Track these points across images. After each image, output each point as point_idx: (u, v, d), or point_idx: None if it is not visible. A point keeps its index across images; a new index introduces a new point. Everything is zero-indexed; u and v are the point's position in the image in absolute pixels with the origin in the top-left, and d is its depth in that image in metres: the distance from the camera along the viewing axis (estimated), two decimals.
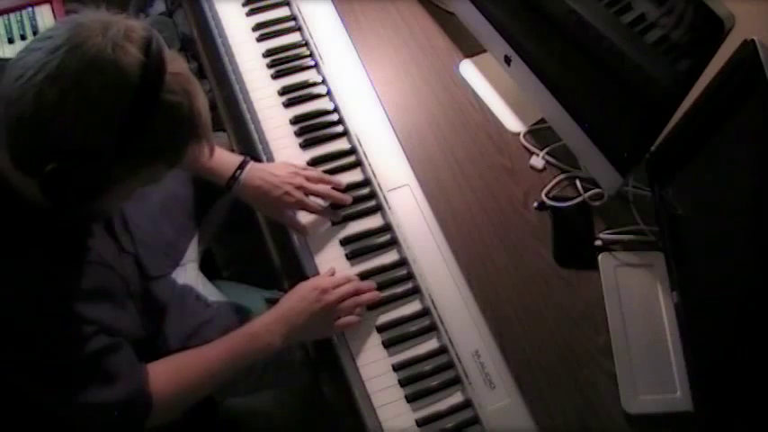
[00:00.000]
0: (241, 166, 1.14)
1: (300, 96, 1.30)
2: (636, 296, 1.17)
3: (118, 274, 1.02)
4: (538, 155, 1.30)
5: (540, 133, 1.32)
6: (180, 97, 0.80)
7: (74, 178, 0.78)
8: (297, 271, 1.15)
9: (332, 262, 1.15)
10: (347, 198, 1.19)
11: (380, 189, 1.20)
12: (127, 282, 1.04)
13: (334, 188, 1.18)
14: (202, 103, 0.84)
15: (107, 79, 0.76)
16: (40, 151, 0.78)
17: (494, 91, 1.37)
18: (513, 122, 1.34)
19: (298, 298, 1.07)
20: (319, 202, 1.17)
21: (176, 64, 0.82)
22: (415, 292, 1.14)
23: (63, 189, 0.79)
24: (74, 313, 0.92)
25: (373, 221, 1.20)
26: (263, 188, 1.13)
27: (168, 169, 0.87)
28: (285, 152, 1.24)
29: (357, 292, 1.10)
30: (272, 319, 1.06)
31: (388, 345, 1.09)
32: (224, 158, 1.16)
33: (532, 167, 1.29)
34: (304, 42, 1.36)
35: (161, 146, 0.82)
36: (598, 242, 1.22)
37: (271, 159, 1.23)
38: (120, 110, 0.76)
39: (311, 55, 1.34)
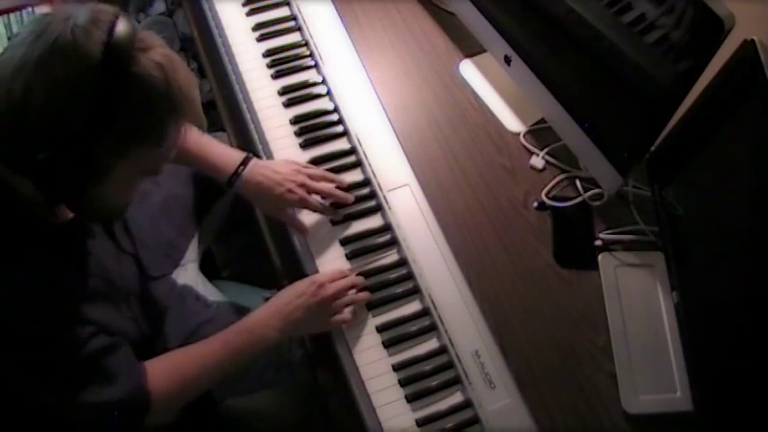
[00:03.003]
0: (244, 163, 1.14)
1: (300, 96, 1.30)
2: (636, 296, 1.17)
3: (118, 275, 1.02)
4: (538, 155, 1.30)
5: (540, 133, 1.32)
6: (153, 71, 0.79)
7: (59, 167, 0.78)
8: (297, 271, 1.15)
9: (332, 262, 1.15)
10: (350, 197, 1.19)
11: (380, 189, 1.20)
12: (127, 282, 1.04)
13: (336, 187, 1.18)
14: (183, 77, 0.82)
15: (69, 62, 0.76)
16: (22, 145, 0.78)
17: (494, 91, 1.37)
18: (513, 122, 1.34)
19: (294, 293, 1.07)
20: (321, 200, 1.17)
21: (150, 40, 0.81)
22: (415, 292, 1.14)
23: (52, 180, 0.79)
24: (73, 314, 0.92)
25: (373, 221, 1.20)
26: (265, 185, 1.13)
27: (158, 150, 0.84)
28: (285, 152, 1.24)
29: (353, 287, 1.10)
30: (268, 313, 1.06)
31: (388, 345, 1.09)
32: (227, 155, 1.15)
33: (532, 167, 1.29)
34: (304, 42, 1.36)
35: (140, 123, 0.80)
36: (598, 242, 1.22)
37: (271, 159, 1.23)
38: (87, 90, 0.76)
39: (311, 55, 1.34)
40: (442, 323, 1.10)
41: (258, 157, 1.21)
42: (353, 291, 1.10)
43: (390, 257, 1.17)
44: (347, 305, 1.09)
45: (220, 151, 1.15)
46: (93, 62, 0.76)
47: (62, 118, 0.76)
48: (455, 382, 1.07)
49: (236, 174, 1.14)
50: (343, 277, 1.10)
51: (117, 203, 0.92)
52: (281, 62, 1.33)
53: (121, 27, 0.78)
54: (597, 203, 1.25)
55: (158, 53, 0.81)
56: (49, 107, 0.76)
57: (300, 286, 1.08)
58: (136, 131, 0.81)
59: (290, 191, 1.13)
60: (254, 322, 1.06)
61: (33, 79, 0.76)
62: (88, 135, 0.77)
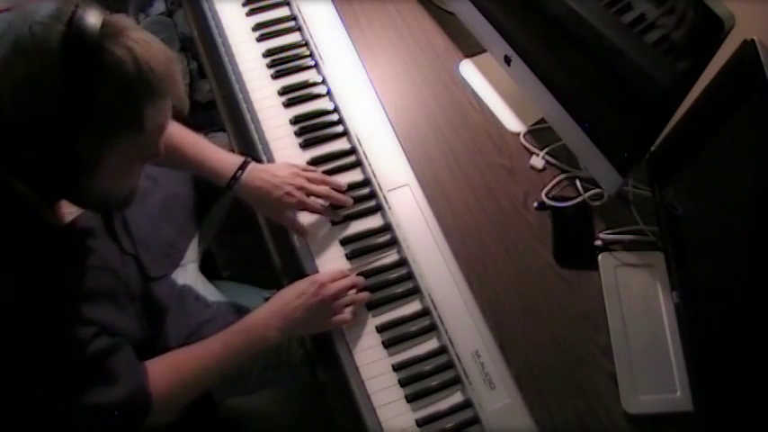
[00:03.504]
0: (242, 167, 1.14)
1: (300, 96, 1.30)
2: (636, 296, 1.17)
3: (119, 276, 1.02)
4: (538, 155, 1.30)
5: (540, 133, 1.32)
6: (121, 56, 0.77)
7: (44, 164, 0.78)
8: (297, 271, 1.15)
9: (332, 262, 1.15)
10: (348, 200, 1.18)
11: (380, 189, 1.20)
12: (127, 283, 1.04)
13: (334, 189, 1.18)
14: (155, 58, 0.80)
15: (29, 59, 0.75)
16: (6, 147, 0.78)
17: (494, 91, 1.37)
18: (513, 122, 1.34)
19: (295, 292, 1.07)
20: (320, 202, 1.17)
21: (120, 24, 0.79)
22: (415, 292, 1.14)
23: (40, 178, 0.79)
24: (75, 314, 0.92)
25: (373, 221, 1.20)
26: (264, 189, 1.13)
27: (143, 136, 0.82)
28: (285, 152, 1.24)
29: (354, 286, 1.10)
30: (269, 312, 1.06)
31: (388, 345, 1.09)
32: (225, 159, 1.15)
33: (532, 167, 1.29)
34: (304, 42, 1.36)
35: (116, 111, 0.79)
36: (598, 242, 1.22)
37: (271, 159, 1.23)
38: (53, 84, 0.75)
39: (311, 55, 1.34)
40: (442, 323, 1.10)
41: (257, 158, 1.21)
42: (354, 291, 1.10)
43: (390, 257, 1.17)
44: (347, 305, 1.09)
45: (218, 156, 1.15)
46: (53, 56, 0.75)
47: (34, 116, 0.76)
48: (455, 382, 1.07)
49: (235, 178, 1.14)
50: (344, 277, 1.10)
51: (117, 192, 0.90)
52: (281, 62, 1.33)
53: (83, 16, 0.76)
54: (597, 203, 1.25)
55: (128, 37, 0.79)
56: (19, 107, 0.76)
57: (301, 286, 1.08)
58: (113, 120, 0.79)
59: (288, 194, 1.13)
60: (254, 322, 1.06)
61: (0, 82, 0.75)
62: (65, 130, 0.76)
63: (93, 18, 0.77)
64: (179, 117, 0.91)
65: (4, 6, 1.61)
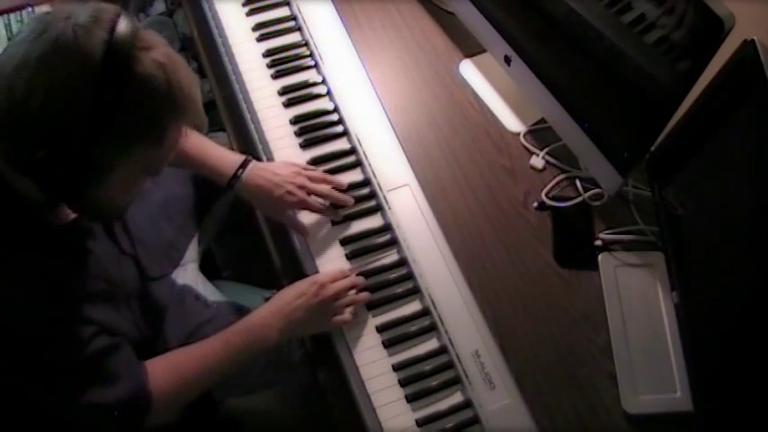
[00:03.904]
0: (243, 165, 1.14)
1: (300, 96, 1.30)
2: (636, 296, 1.17)
3: (118, 276, 1.02)
4: (538, 155, 1.30)
5: (540, 133, 1.32)
6: (154, 71, 0.79)
7: (60, 165, 0.78)
8: (297, 271, 1.15)
9: (332, 262, 1.15)
10: (349, 199, 1.18)
11: (380, 189, 1.20)
12: (127, 283, 1.04)
13: (335, 188, 1.18)
14: (184, 77, 0.82)
15: (70, 60, 0.76)
16: (22, 144, 0.78)
17: (494, 91, 1.37)
18: (513, 122, 1.34)
19: (295, 293, 1.07)
20: (321, 201, 1.17)
21: (152, 40, 0.81)
22: (415, 292, 1.14)
23: (52, 179, 0.79)
24: (75, 314, 0.92)
25: (373, 221, 1.20)
26: (265, 187, 1.13)
27: (159, 150, 0.84)
28: (285, 152, 1.24)
29: (354, 287, 1.10)
30: (269, 313, 1.06)
31: (388, 345, 1.09)
32: (226, 157, 1.15)
33: (532, 167, 1.29)
34: (304, 42, 1.36)
35: (141, 122, 0.80)
36: (598, 242, 1.22)
37: (271, 159, 1.23)
38: (88, 88, 0.76)
39: (311, 55, 1.34)
40: (442, 323, 1.10)
41: (257, 158, 1.21)
42: (354, 291, 1.10)
43: (390, 257, 1.17)
44: (347, 305, 1.09)
45: (219, 154, 1.15)
46: (95, 61, 0.76)
47: (62, 117, 0.76)
48: (455, 382, 1.07)
49: (236, 176, 1.14)
50: (344, 277, 1.10)
51: (118, 203, 0.91)
52: (281, 62, 1.33)
53: (123, 26, 0.78)
54: (597, 203, 1.25)
55: (160, 53, 0.81)
56: (49, 106, 0.76)
57: (301, 286, 1.08)
58: (136, 131, 0.80)
59: (289, 192, 1.13)
60: (254, 322, 1.06)
61: (34, 78, 0.76)
62: (88, 134, 0.77)
63: (130, 29, 0.79)
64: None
65: (5, 7, 1.61)
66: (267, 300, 1.10)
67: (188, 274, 1.28)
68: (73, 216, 0.94)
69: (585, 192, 1.25)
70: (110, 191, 0.85)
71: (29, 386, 0.95)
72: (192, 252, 1.31)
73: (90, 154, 0.78)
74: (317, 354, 1.12)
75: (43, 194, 0.82)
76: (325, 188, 1.17)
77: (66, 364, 0.92)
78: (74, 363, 0.92)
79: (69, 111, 0.76)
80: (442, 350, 1.09)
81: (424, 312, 1.12)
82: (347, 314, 1.08)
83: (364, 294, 1.11)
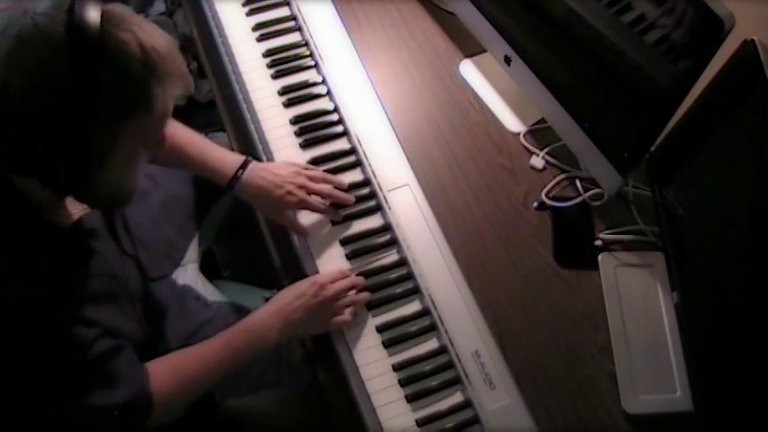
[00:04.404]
0: (243, 166, 1.14)
1: (300, 96, 1.30)
2: (636, 296, 1.17)
3: (120, 276, 1.02)
4: (538, 155, 1.30)
5: (540, 133, 1.32)
6: (125, 38, 0.78)
7: (58, 157, 0.78)
8: (297, 271, 1.15)
9: (332, 262, 1.15)
10: (350, 198, 1.18)
11: (380, 189, 1.20)
12: (127, 284, 1.04)
13: (336, 188, 1.18)
14: (158, 39, 0.81)
15: (36, 49, 0.76)
16: (18, 142, 0.78)
17: (494, 91, 1.37)
18: (513, 122, 1.34)
19: (295, 293, 1.07)
20: (321, 201, 1.17)
21: (119, 11, 0.80)
22: (415, 292, 1.14)
23: (54, 172, 0.79)
24: (78, 316, 0.92)
25: (373, 221, 1.20)
26: (266, 188, 1.13)
27: (151, 118, 0.83)
28: (285, 152, 1.24)
29: (353, 287, 1.10)
30: (269, 313, 1.06)
31: (388, 345, 1.09)
32: (226, 158, 1.15)
33: (532, 167, 1.29)
34: (304, 42, 1.36)
35: (126, 93, 0.79)
36: (598, 242, 1.22)
37: (271, 159, 1.23)
38: (62, 72, 0.75)
39: (311, 55, 1.34)
40: (442, 323, 1.10)
41: (258, 158, 1.21)
42: (353, 291, 1.10)
43: (390, 257, 1.17)
44: (347, 306, 1.09)
45: (219, 155, 1.15)
46: (60, 43, 0.75)
47: (45, 106, 0.76)
48: (455, 382, 1.07)
49: (236, 177, 1.14)
50: (344, 278, 1.10)
51: (123, 185, 0.90)
52: (281, 62, 1.33)
53: (83, 4, 0.77)
54: (597, 203, 1.25)
55: (129, 22, 0.80)
56: (29, 98, 0.76)
57: (301, 287, 1.08)
58: (124, 104, 0.80)
59: (289, 193, 1.13)
60: (254, 323, 1.06)
61: (6, 74, 0.76)
62: (77, 117, 0.77)
63: (92, 6, 0.78)
64: (181, 112, 0.91)
65: (3, 7, 1.61)
66: (267, 300, 1.10)
67: (188, 274, 1.28)
68: (76, 217, 0.94)
69: (585, 192, 1.25)
70: (113, 173, 0.84)
71: (31, 387, 0.95)
72: (193, 252, 1.31)
73: (85, 137, 0.78)
74: (316, 354, 1.12)
75: (49, 190, 0.82)
76: (325, 188, 1.17)
77: (69, 366, 0.92)
78: (77, 365, 0.92)
79: (49, 98, 0.76)
80: (441, 350, 1.09)
81: (424, 312, 1.12)
82: (347, 314, 1.08)
83: (364, 294, 1.11)
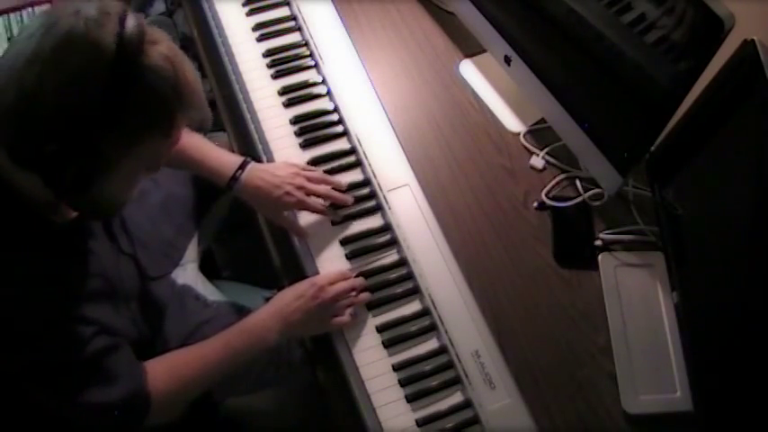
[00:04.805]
0: (242, 167, 1.14)
1: (300, 96, 1.30)
2: (636, 296, 1.17)
3: (117, 275, 1.02)
4: (538, 155, 1.30)
5: (540, 133, 1.32)
6: (162, 63, 0.79)
7: (70, 160, 0.78)
8: (297, 271, 1.15)
9: (332, 262, 1.15)
10: (348, 199, 1.19)
11: (380, 189, 1.20)
12: (126, 283, 1.04)
13: (335, 189, 1.18)
14: (189, 70, 0.83)
15: (82, 53, 0.76)
16: (31, 139, 0.78)
17: (494, 91, 1.37)
18: (513, 122, 1.34)
19: (294, 295, 1.07)
20: (320, 201, 1.17)
21: (157, 35, 0.82)
22: (415, 292, 1.14)
23: (61, 174, 0.79)
24: (75, 314, 0.92)
25: (373, 221, 1.20)
26: (264, 188, 1.13)
27: (165, 142, 0.85)
28: (285, 152, 1.24)
29: (353, 289, 1.10)
30: (268, 314, 1.06)
31: (388, 345, 1.09)
32: (225, 159, 1.15)
33: (532, 167, 1.29)
34: (304, 42, 1.36)
35: (150, 114, 0.81)
36: (598, 242, 1.22)
37: (271, 159, 1.23)
38: (100, 81, 0.76)
39: (311, 55, 1.34)
40: (442, 323, 1.10)
41: (257, 158, 1.21)
42: (354, 293, 1.10)
43: (390, 257, 1.17)
44: (347, 307, 1.09)
45: (218, 155, 1.15)
46: (108, 53, 0.76)
47: (74, 110, 0.76)
48: (455, 382, 1.07)
49: (235, 178, 1.14)
50: (344, 279, 1.10)
51: (117, 199, 0.91)
52: (281, 62, 1.33)
53: (131, 20, 0.79)
54: (597, 203, 1.25)
55: (166, 46, 0.81)
56: (61, 99, 0.76)
57: (300, 288, 1.08)
58: (147, 122, 0.81)
59: (288, 193, 1.13)
60: (253, 324, 1.06)
61: (46, 71, 0.76)
62: (99, 126, 0.77)
63: (138, 23, 0.80)
64: (200, 129, 0.93)
65: (5, 7, 1.61)
66: (267, 300, 1.10)
67: (188, 273, 1.28)
68: (73, 215, 0.94)
69: (585, 192, 1.25)
70: (111, 187, 0.85)
71: (28, 385, 0.95)
72: (192, 252, 1.31)
73: (98, 147, 0.79)
74: (316, 354, 1.12)
75: (49, 190, 0.82)
76: (324, 188, 1.17)
77: (66, 363, 0.92)
78: (73, 362, 0.92)
79: (81, 103, 0.76)
80: (441, 350, 1.09)
81: (424, 312, 1.12)
82: (346, 316, 1.08)
83: (364, 295, 1.11)
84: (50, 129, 0.77)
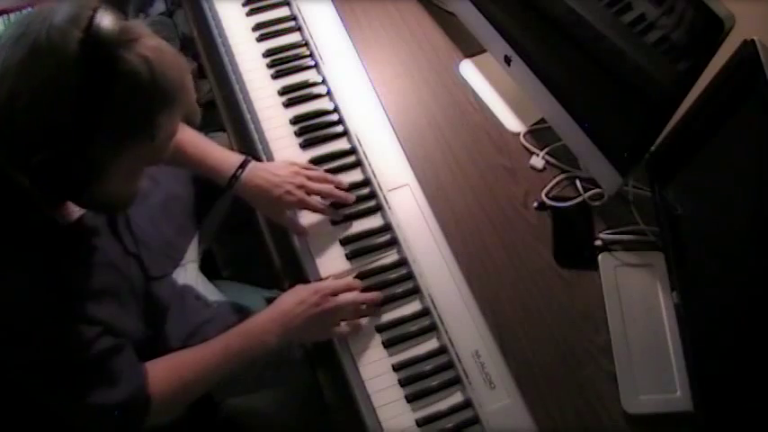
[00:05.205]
0: (242, 166, 1.14)
1: (300, 96, 1.30)
2: (636, 296, 1.17)
3: (123, 275, 1.02)
4: (538, 155, 1.30)
5: (540, 133, 1.32)
6: (137, 67, 0.77)
7: (57, 167, 0.78)
8: (297, 271, 1.15)
9: (332, 262, 1.15)
10: (350, 197, 1.18)
11: (380, 189, 1.20)
12: (131, 282, 1.04)
13: (336, 187, 1.18)
14: (170, 67, 0.81)
15: (46, 63, 0.75)
16: (17, 148, 0.78)
17: (494, 91, 1.37)
18: (513, 122, 1.34)
19: (296, 300, 1.07)
20: (321, 200, 1.17)
21: (136, 31, 0.79)
22: (415, 292, 1.14)
23: (50, 180, 0.79)
24: (80, 314, 0.92)
25: (373, 221, 1.20)
26: (265, 187, 1.13)
27: (153, 144, 0.83)
28: (285, 152, 1.24)
29: (357, 303, 1.09)
30: (269, 318, 1.06)
31: (388, 345, 1.09)
32: (225, 157, 1.15)
33: (532, 167, 1.29)
34: (304, 42, 1.36)
35: (129, 120, 0.79)
36: (598, 242, 1.22)
37: (271, 159, 1.23)
38: (69, 89, 0.75)
39: (311, 55, 1.34)
40: (442, 323, 1.10)
41: (257, 158, 1.21)
42: (363, 305, 1.10)
43: (390, 257, 1.16)
44: (352, 317, 1.08)
45: (219, 154, 1.15)
46: (70, 62, 0.75)
47: (48, 120, 0.76)
48: (455, 382, 1.07)
49: (235, 177, 1.14)
50: (349, 289, 1.10)
51: (122, 195, 0.91)
52: (281, 62, 1.33)
53: (100, 22, 0.77)
54: (597, 203, 1.25)
55: (144, 46, 0.79)
56: (33, 110, 0.76)
57: (303, 294, 1.07)
58: (126, 128, 0.80)
59: (288, 192, 1.13)
60: (254, 327, 1.06)
61: (16, 84, 0.76)
62: (78, 135, 0.77)
63: (109, 24, 0.77)
64: (188, 123, 0.92)
65: (5, 7, 1.61)
66: (268, 300, 1.10)
67: (188, 273, 1.28)
68: (78, 214, 0.94)
69: (585, 192, 1.25)
70: (110, 185, 0.85)
71: (30, 385, 0.95)
72: (193, 252, 1.31)
73: (83, 155, 0.78)
74: (316, 354, 1.12)
75: (43, 195, 0.82)
76: (325, 187, 1.17)
77: (70, 364, 0.92)
78: (77, 363, 0.92)
79: (54, 114, 0.76)
80: (442, 350, 1.09)
81: (424, 312, 1.12)
82: (346, 326, 1.08)
83: (370, 307, 1.10)
84: (30, 141, 0.77)
